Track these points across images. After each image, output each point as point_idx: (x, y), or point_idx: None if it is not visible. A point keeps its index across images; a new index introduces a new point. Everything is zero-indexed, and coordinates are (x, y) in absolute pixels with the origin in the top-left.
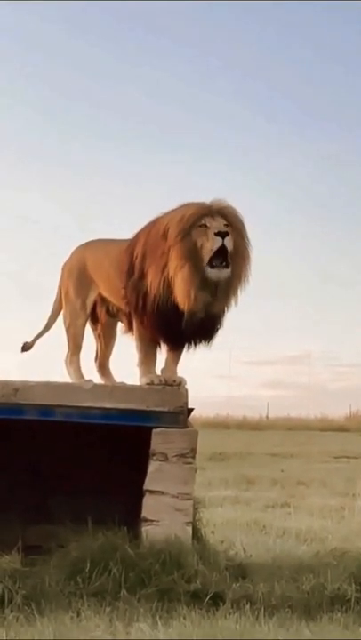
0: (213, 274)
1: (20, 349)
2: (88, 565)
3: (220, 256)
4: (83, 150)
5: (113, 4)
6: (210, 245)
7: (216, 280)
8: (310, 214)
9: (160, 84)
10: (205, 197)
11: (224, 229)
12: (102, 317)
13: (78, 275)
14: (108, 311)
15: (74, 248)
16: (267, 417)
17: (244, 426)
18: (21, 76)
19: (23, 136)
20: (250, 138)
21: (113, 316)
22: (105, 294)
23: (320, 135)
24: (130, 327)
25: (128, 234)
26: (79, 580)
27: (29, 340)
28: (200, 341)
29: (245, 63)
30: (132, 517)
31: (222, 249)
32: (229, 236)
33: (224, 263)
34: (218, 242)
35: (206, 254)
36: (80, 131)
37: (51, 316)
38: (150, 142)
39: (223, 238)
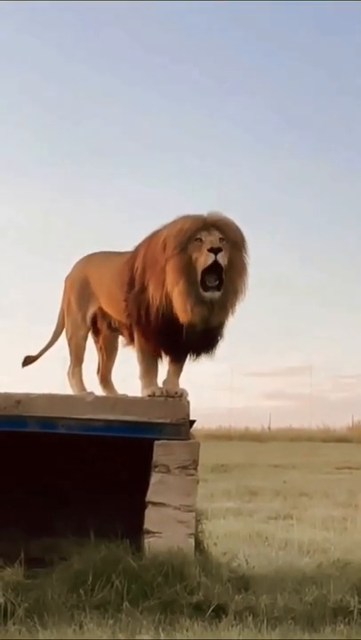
0: (207, 296)
1: (24, 364)
2: (90, 578)
3: (214, 272)
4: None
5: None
6: (203, 261)
7: (208, 301)
8: (310, 225)
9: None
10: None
11: (217, 245)
12: (104, 330)
13: (80, 287)
14: (110, 326)
15: (75, 261)
16: (269, 428)
17: (247, 437)
18: (12, 93)
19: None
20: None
21: (115, 330)
22: (105, 307)
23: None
24: (131, 340)
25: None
26: (82, 592)
27: (31, 353)
28: (202, 353)
29: (248, 85)
30: (134, 529)
31: (215, 265)
32: (223, 251)
33: (217, 282)
34: (210, 258)
35: (200, 270)
36: (70, 149)
37: (55, 330)
38: (144, 160)
39: (216, 254)
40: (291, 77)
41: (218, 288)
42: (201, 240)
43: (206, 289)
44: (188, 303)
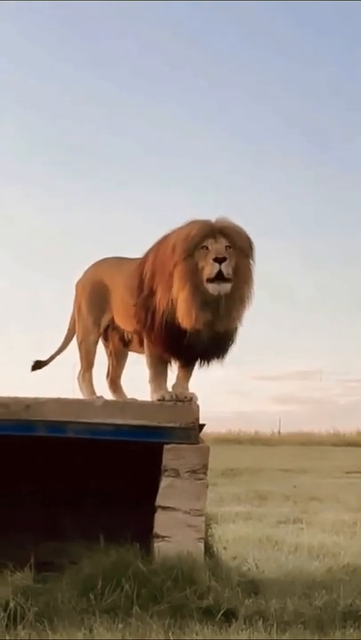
0: (213, 288)
1: (33, 369)
2: (100, 582)
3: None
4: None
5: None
6: (208, 270)
7: (217, 295)
8: (320, 228)
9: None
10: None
11: (222, 255)
12: (114, 340)
13: (91, 292)
14: (121, 339)
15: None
16: (279, 432)
17: (256, 441)
18: (8, 98)
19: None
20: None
21: (126, 344)
22: (115, 313)
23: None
24: (141, 344)
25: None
26: (91, 596)
27: (41, 358)
28: (211, 358)
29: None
30: (143, 534)
31: (220, 274)
32: (227, 260)
33: (224, 278)
34: (215, 268)
35: (204, 279)
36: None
37: (66, 335)
38: (145, 168)
39: (221, 264)
40: (294, 81)
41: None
42: (207, 248)
43: (212, 282)
44: (192, 308)
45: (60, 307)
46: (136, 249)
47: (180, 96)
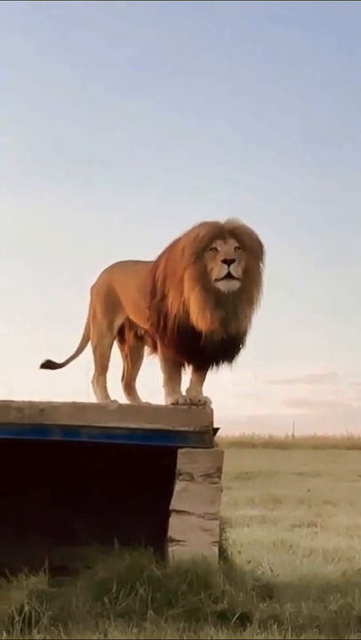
0: (222, 285)
1: (42, 367)
2: (115, 586)
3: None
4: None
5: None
6: (217, 271)
7: (226, 292)
8: (333, 232)
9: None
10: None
11: (231, 256)
12: (129, 338)
13: (105, 296)
14: (136, 335)
15: (101, 270)
16: (293, 436)
17: (270, 445)
18: (11, 103)
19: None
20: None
21: (141, 339)
22: (131, 316)
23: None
24: (154, 348)
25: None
26: (106, 600)
27: (52, 359)
28: (223, 361)
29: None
30: (158, 538)
31: (228, 276)
32: (236, 262)
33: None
34: (224, 270)
35: (213, 280)
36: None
37: (82, 339)
38: (148, 173)
39: (229, 265)
40: (303, 87)
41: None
42: (216, 249)
43: (221, 279)
44: (206, 309)
45: (76, 311)
46: (142, 254)
47: (181, 98)
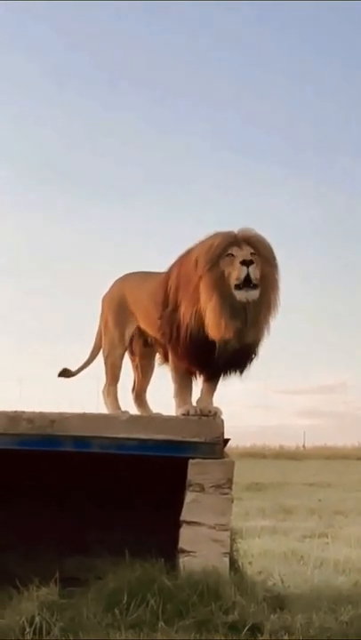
0: (241, 295)
1: (60, 375)
2: (125, 597)
3: (247, 283)
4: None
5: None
6: (236, 274)
7: (245, 301)
8: (344, 242)
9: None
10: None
11: (249, 258)
12: (140, 349)
13: (117, 306)
14: (145, 343)
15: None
16: (303, 446)
17: (281, 455)
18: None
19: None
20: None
21: (150, 346)
22: (143, 326)
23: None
24: (165, 358)
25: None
26: (117, 611)
27: (67, 367)
28: (235, 372)
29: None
30: (168, 549)
31: (248, 278)
32: (255, 264)
33: (252, 285)
34: (243, 271)
35: (233, 282)
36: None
37: (93, 348)
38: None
39: (248, 267)
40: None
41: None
42: (232, 255)
43: (240, 289)
44: (221, 318)
45: (85, 321)
46: (145, 266)
47: (182, 115)
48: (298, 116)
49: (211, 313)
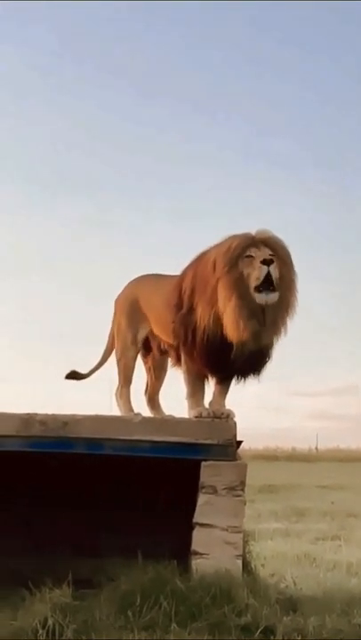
0: (261, 298)
1: (67, 377)
2: (138, 599)
3: (267, 284)
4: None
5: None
6: (256, 274)
7: (264, 304)
8: (349, 242)
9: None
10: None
11: (270, 257)
12: (153, 351)
13: (130, 309)
14: (159, 348)
15: (126, 283)
16: (316, 449)
17: (294, 458)
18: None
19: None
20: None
21: (164, 353)
22: (154, 329)
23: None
24: (178, 361)
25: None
26: (130, 613)
27: (77, 369)
28: (249, 374)
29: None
30: (181, 551)
31: (268, 277)
32: (275, 263)
33: (271, 287)
34: (264, 270)
35: (253, 283)
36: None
37: (105, 350)
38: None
39: (269, 266)
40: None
41: (272, 291)
42: (251, 256)
43: (260, 292)
44: (240, 319)
45: (97, 323)
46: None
47: (190, 124)
48: (311, 119)
49: (229, 314)
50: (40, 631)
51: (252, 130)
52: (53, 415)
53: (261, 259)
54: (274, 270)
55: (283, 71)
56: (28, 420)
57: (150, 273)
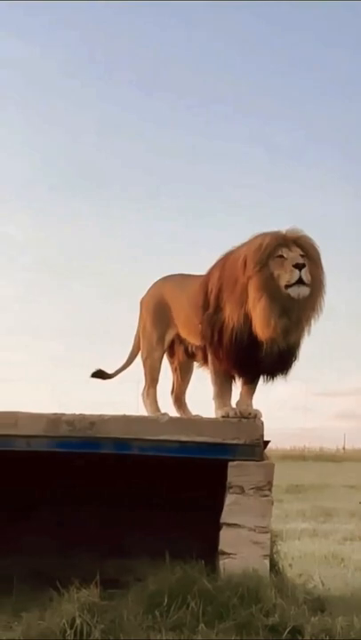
0: (293, 291)
1: (93, 376)
2: (166, 599)
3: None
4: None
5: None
6: (288, 277)
7: (296, 297)
8: None
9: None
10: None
11: (301, 261)
12: (179, 352)
13: (155, 309)
14: (186, 351)
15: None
16: (343, 448)
17: (321, 457)
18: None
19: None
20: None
21: (191, 356)
22: (180, 329)
23: None
24: (205, 361)
25: None
26: (157, 613)
27: (103, 368)
28: (277, 374)
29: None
30: (208, 551)
31: (299, 281)
32: (306, 267)
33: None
34: (295, 275)
35: (283, 286)
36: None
37: (131, 351)
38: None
39: (300, 270)
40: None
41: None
42: (282, 257)
43: (292, 285)
44: (271, 317)
45: (124, 324)
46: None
47: (206, 122)
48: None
49: (260, 312)
50: (68, 631)
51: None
52: (81, 415)
53: (294, 262)
54: (305, 274)
55: None
56: (55, 420)
57: (176, 273)
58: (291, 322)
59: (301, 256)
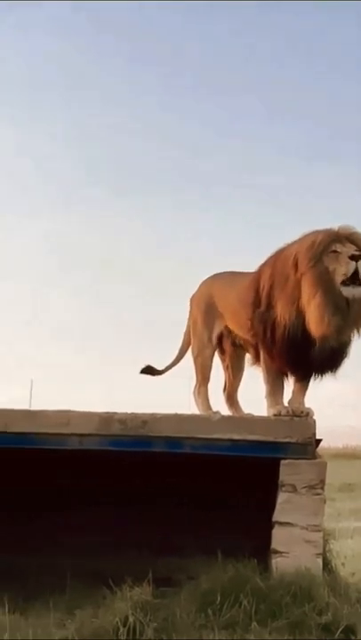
0: (348, 291)
1: (142, 372)
2: (218, 597)
3: (354, 279)
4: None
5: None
6: (344, 269)
7: (351, 298)
8: None
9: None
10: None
11: (358, 253)
12: (230, 349)
13: (205, 307)
14: (233, 343)
15: (201, 281)
16: None
17: None
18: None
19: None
20: None
21: (239, 347)
22: (231, 326)
23: None
24: (257, 359)
25: None
26: (210, 612)
27: (151, 365)
28: (328, 371)
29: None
30: (261, 549)
31: (356, 272)
32: None
33: (358, 282)
34: (352, 266)
35: (340, 278)
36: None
37: (181, 347)
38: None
39: (357, 262)
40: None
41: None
42: (336, 252)
43: (347, 285)
44: (325, 314)
45: (173, 322)
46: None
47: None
48: None
49: (314, 309)
50: (121, 629)
51: None
52: (133, 414)
53: (349, 254)
54: None
55: None
56: (107, 419)
57: (225, 271)
58: (344, 320)
59: (356, 251)
